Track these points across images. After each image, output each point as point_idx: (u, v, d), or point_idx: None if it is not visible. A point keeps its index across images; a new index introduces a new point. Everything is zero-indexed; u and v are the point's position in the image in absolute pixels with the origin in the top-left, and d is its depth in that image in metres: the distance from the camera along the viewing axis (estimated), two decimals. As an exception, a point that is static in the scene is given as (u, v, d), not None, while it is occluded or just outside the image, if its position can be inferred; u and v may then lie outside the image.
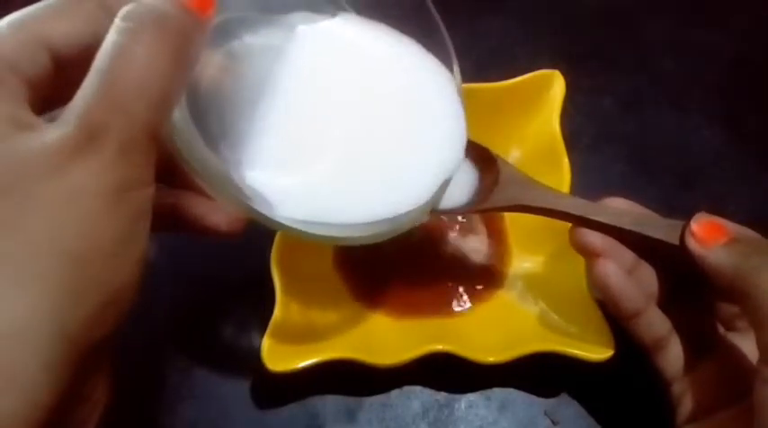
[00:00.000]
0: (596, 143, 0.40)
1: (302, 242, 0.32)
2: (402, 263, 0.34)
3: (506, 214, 0.36)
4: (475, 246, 0.35)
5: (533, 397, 0.32)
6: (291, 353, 0.29)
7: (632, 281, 0.27)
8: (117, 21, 0.18)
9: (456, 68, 0.27)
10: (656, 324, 0.27)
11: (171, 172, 0.23)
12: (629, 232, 0.27)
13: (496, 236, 0.35)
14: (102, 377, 0.20)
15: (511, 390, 0.32)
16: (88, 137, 0.17)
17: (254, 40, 0.25)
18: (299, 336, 0.30)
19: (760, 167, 0.40)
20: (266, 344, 0.28)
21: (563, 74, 0.35)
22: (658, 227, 0.27)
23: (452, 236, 0.35)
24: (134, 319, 0.33)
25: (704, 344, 0.27)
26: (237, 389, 0.31)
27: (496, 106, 0.35)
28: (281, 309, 0.30)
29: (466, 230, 0.35)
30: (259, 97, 0.24)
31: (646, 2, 0.48)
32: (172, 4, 0.19)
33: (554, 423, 0.31)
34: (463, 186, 0.28)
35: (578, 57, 0.43)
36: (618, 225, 0.27)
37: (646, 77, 0.44)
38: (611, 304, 0.27)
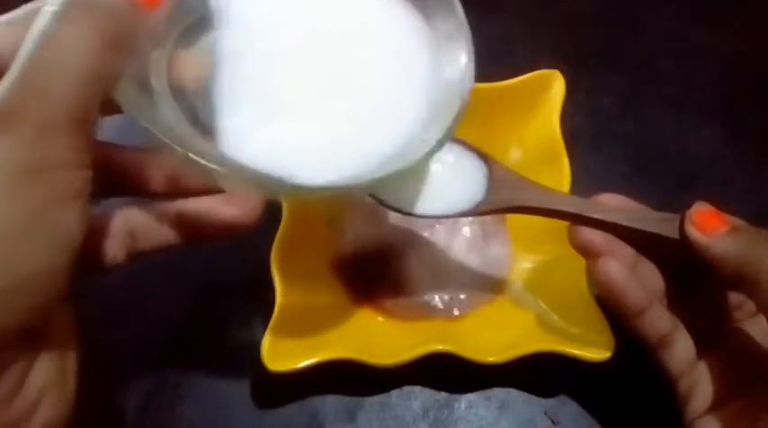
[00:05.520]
0: (596, 143, 0.40)
1: (302, 238, 0.32)
2: (402, 264, 0.34)
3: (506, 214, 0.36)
4: (499, 248, 0.35)
5: (533, 397, 0.32)
6: (291, 353, 0.29)
7: (635, 279, 0.27)
8: (45, 6, 0.18)
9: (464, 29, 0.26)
10: (660, 320, 0.27)
11: (171, 184, 0.24)
12: (627, 228, 0.26)
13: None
14: (46, 368, 0.19)
15: (511, 390, 0.32)
16: (3, 120, 0.17)
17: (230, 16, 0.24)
18: (299, 336, 0.30)
19: (760, 167, 0.40)
20: (266, 344, 0.28)
21: (563, 74, 0.35)
22: (655, 221, 0.26)
23: (468, 236, 0.35)
24: (133, 319, 0.34)
25: (708, 336, 0.27)
26: (237, 389, 0.31)
27: (496, 106, 0.35)
28: (280, 309, 0.30)
29: (490, 233, 0.35)
30: (237, 66, 0.24)
31: (646, 2, 0.48)
32: None
33: (554, 423, 0.31)
34: (466, 188, 0.28)
35: (578, 57, 0.43)
36: (615, 221, 0.26)
37: (646, 77, 0.44)
38: (616, 303, 0.27)
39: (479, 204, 0.28)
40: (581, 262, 0.31)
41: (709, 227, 0.25)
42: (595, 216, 0.27)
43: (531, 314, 0.32)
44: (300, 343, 0.29)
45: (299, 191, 0.22)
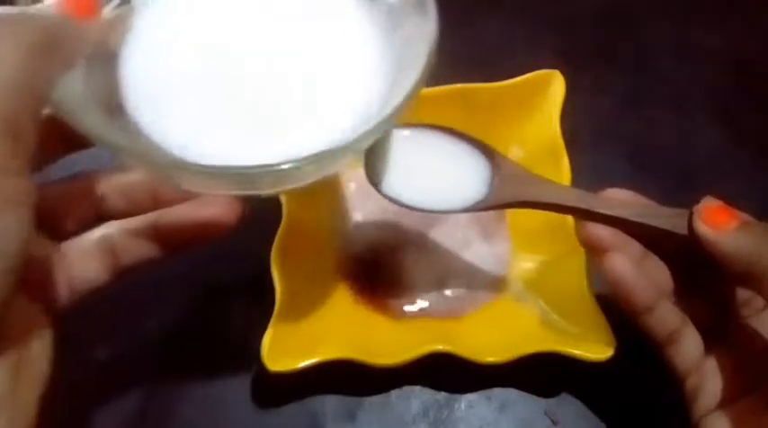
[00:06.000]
0: (596, 143, 0.40)
1: (303, 233, 0.32)
2: (402, 264, 0.34)
3: (507, 213, 0.36)
4: (498, 247, 0.35)
5: (533, 397, 0.32)
6: (291, 353, 0.29)
7: (643, 275, 0.27)
8: None
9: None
10: (668, 317, 0.27)
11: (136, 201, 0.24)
12: (635, 223, 0.26)
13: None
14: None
15: (511, 390, 0.32)
16: None
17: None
18: (299, 336, 0.30)
19: (760, 167, 0.40)
20: (266, 344, 0.28)
21: (563, 74, 0.35)
22: (663, 216, 0.26)
23: (468, 235, 0.35)
24: (133, 320, 0.34)
25: (716, 333, 0.27)
26: (237, 389, 0.31)
27: (496, 106, 0.35)
28: (281, 310, 0.30)
29: (490, 232, 0.35)
30: (169, 57, 0.24)
31: (646, 2, 0.47)
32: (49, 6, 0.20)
33: (554, 423, 0.31)
34: (471, 182, 0.28)
35: (578, 58, 0.43)
36: (623, 216, 0.26)
37: (646, 77, 0.44)
38: (623, 299, 0.27)
39: (485, 199, 0.27)
40: (581, 261, 0.31)
41: (718, 222, 0.25)
42: (603, 211, 0.26)
43: (531, 314, 0.32)
44: (300, 343, 0.29)
45: (247, 177, 0.21)
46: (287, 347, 0.29)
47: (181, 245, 0.25)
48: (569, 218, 0.32)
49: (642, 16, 0.47)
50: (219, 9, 0.25)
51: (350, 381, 0.31)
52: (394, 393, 0.32)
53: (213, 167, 0.21)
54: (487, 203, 0.27)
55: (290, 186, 0.23)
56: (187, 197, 0.25)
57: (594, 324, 0.30)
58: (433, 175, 0.28)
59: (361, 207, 0.35)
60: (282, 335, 0.29)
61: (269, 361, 0.28)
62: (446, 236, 0.34)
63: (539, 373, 0.30)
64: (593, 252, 0.27)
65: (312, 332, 0.30)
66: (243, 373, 0.32)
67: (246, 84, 0.24)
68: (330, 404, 0.31)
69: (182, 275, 0.34)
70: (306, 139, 0.22)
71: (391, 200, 0.27)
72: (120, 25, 0.23)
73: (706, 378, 0.27)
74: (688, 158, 0.40)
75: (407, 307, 0.33)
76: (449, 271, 0.34)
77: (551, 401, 0.32)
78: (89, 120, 0.20)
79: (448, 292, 0.33)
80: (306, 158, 0.20)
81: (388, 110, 0.22)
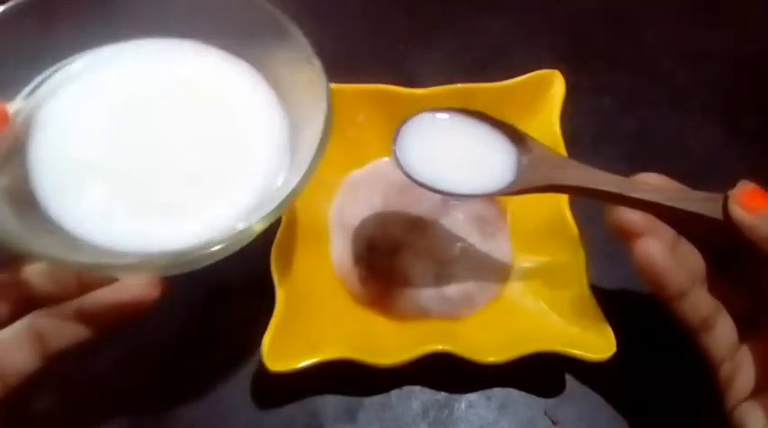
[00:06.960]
0: (596, 143, 0.40)
1: (304, 245, 0.32)
2: (402, 264, 0.34)
3: (507, 213, 0.36)
4: (498, 247, 0.35)
5: (533, 397, 0.32)
6: (291, 353, 0.29)
7: (676, 260, 0.26)
8: None
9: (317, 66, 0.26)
10: (702, 303, 0.26)
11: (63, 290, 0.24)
12: (668, 208, 0.26)
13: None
14: None
15: (511, 390, 0.32)
16: None
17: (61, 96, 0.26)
18: (299, 336, 0.30)
19: (760, 167, 0.40)
20: (266, 344, 0.29)
21: (563, 74, 0.35)
22: (698, 200, 0.26)
23: (467, 235, 0.35)
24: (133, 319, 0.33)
25: (749, 321, 0.26)
26: (237, 389, 0.31)
27: (496, 106, 0.35)
28: (281, 310, 0.30)
29: (489, 232, 0.35)
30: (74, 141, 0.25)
31: (646, 2, 0.48)
32: None
33: (554, 423, 0.31)
34: (498, 166, 0.27)
35: (578, 57, 0.43)
36: (657, 201, 0.26)
37: (646, 77, 0.44)
38: (656, 285, 0.26)
39: (513, 182, 0.27)
40: (581, 261, 0.31)
41: (754, 206, 0.24)
42: (636, 195, 0.26)
43: (531, 314, 0.32)
44: (300, 343, 0.29)
45: (182, 260, 0.23)
46: (287, 347, 0.29)
47: (108, 327, 0.25)
48: (569, 219, 0.32)
49: (642, 16, 0.47)
50: (124, 97, 0.26)
51: (350, 381, 0.31)
52: (394, 393, 0.32)
53: (113, 264, 0.22)
54: (515, 187, 0.27)
55: (202, 265, 0.24)
56: (110, 279, 0.25)
57: (594, 324, 0.29)
58: (461, 159, 0.27)
59: (362, 207, 0.35)
60: (282, 335, 0.29)
61: (269, 361, 0.28)
62: (446, 236, 0.34)
63: (539, 373, 0.30)
64: (625, 237, 0.26)
65: (312, 332, 0.30)
66: (243, 373, 0.32)
67: (154, 169, 0.25)
68: (330, 404, 0.31)
69: (181, 275, 0.34)
70: (212, 221, 0.25)
71: (418, 183, 0.27)
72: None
73: (740, 366, 0.26)
74: (688, 158, 0.40)
75: (407, 308, 0.33)
76: (449, 271, 0.34)
77: (551, 401, 0.32)
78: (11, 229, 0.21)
79: (448, 292, 0.33)
80: (209, 243, 0.22)
81: (289, 189, 0.24)
